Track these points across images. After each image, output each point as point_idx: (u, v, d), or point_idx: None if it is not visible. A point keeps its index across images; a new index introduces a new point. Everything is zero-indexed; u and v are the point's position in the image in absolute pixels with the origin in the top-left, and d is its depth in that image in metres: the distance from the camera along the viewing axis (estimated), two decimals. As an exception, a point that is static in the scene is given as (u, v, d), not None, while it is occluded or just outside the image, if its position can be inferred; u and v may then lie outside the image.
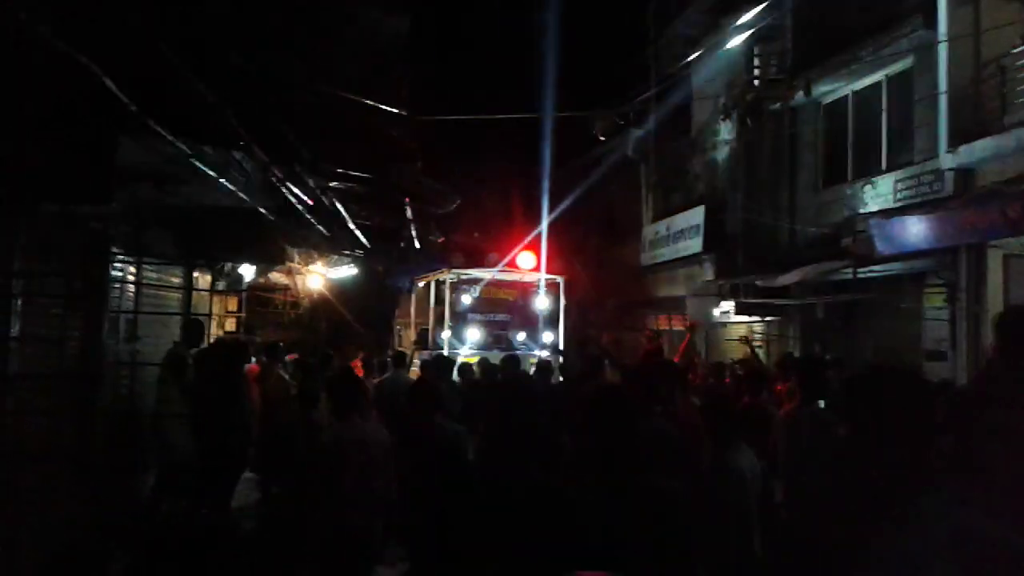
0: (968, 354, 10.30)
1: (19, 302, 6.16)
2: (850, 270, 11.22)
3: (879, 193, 11.82)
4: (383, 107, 6.08)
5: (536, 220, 17.50)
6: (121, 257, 8.15)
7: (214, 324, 11.76)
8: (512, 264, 15.56)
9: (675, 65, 17.98)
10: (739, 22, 14.48)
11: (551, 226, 20.91)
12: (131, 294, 8.68)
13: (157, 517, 7.43)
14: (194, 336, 8.30)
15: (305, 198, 8.65)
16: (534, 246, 15.85)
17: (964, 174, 10.37)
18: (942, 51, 10.53)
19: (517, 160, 21.54)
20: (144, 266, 8.88)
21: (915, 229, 10.17)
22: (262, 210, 8.88)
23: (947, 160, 10.37)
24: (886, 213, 11.02)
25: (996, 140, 9.66)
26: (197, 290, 10.71)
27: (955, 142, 10.22)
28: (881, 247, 10.67)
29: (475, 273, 15.35)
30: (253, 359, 9.72)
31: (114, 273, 8.12)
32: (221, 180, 7.39)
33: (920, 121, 11.42)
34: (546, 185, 18.66)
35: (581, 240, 21.03)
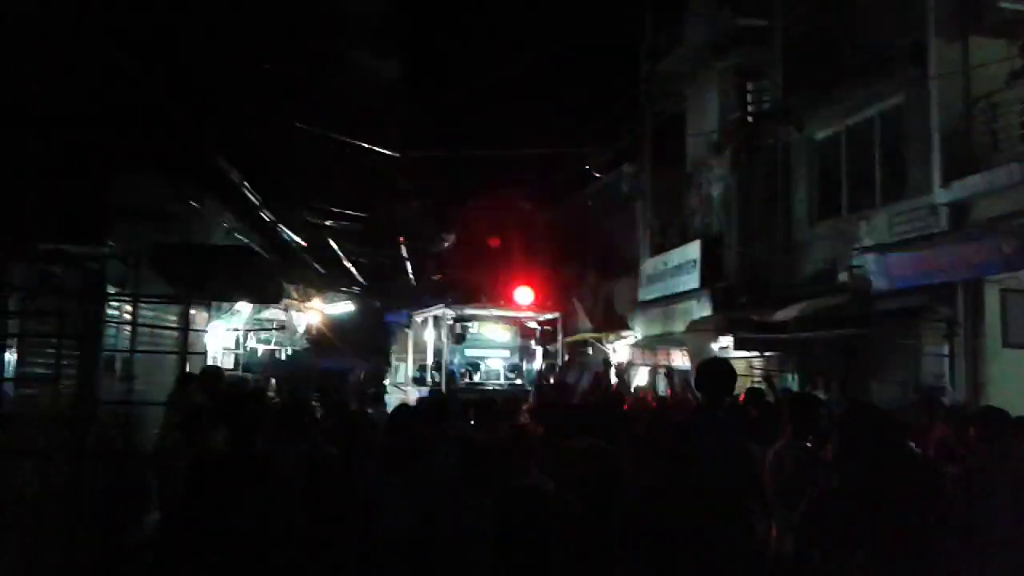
0: (967, 389, 10.26)
1: (14, 342, 6.16)
2: (848, 305, 11.22)
3: (874, 228, 11.86)
4: (375, 148, 6.14)
5: (533, 257, 17.56)
6: (116, 296, 8.14)
7: (215, 362, 11.72)
8: (509, 301, 15.58)
9: (669, 101, 18.15)
10: (730, 60, 14.65)
11: (548, 262, 21.00)
12: (127, 333, 8.65)
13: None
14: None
15: (297, 239, 8.70)
16: (531, 282, 15.87)
17: (958, 209, 10.42)
18: (933, 88, 10.63)
19: (514, 197, 21.66)
20: (140, 305, 8.86)
21: (911, 264, 10.20)
22: (258, 248, 8.91)
23: (941, 195, 10.43)
24: (882, 248, 11.04)
25: (988, 176, 9.71)
26: (194, 329, 10.68)
27: (948, 178, 10.29)
28: (877, 282, 10.68)
29: (472, 310, 15.36)
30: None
31: (110, 312, 8.12)
32: (217, 219, 7.43)
33: (913, 157, 11.50)
34: (542, 220, 18.74)
35: (578, 276, 21.07)
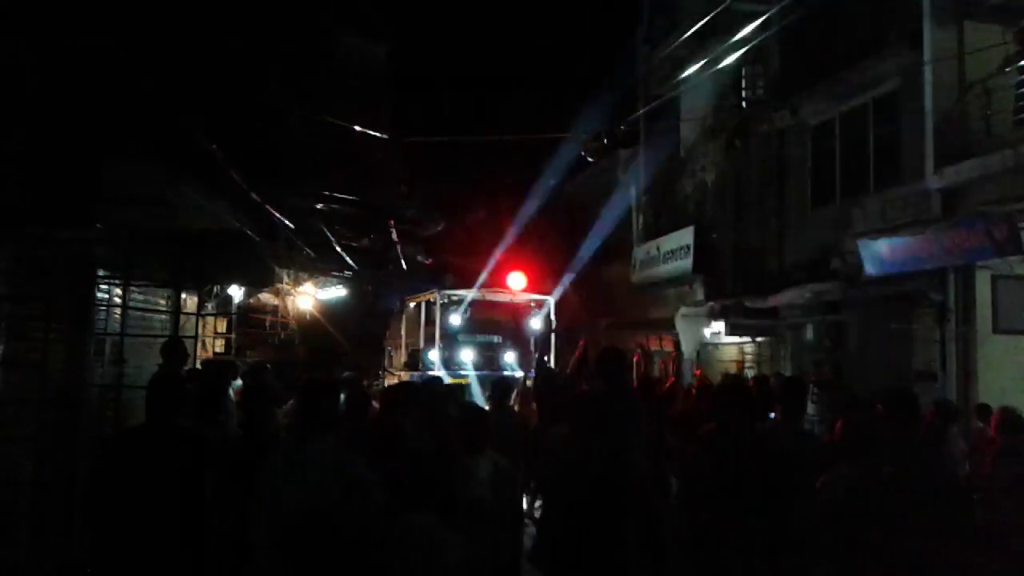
0: (958, 375, 10.31)
1: (3, 326, 6.13)
2: (840, 291, 11.25)
3: (867, 214, 11.86)
4: (366, 131, 6.10)
5: (526, 241, 17.51)
6: (107, 279, 8.10)
7: (201, 346, 11.70)
8: (502, 285, 15.55)
9: (664, 87, 18.09)
10: (726, 45, 14.58)
11: (542, 246, 20.96)
12: (117, 316, 8.62)
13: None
14: (178, 358, 8.20)
15: (287, 221, 8.66)
16: (524, 267, 15.84)
17: (951, 195, 10.42)
18: (927, 73, 10.61)
19: (507, 181, 21.62)
20: (131, 288, 8.82)
21: (902, 250, 10.21)
22: (249, 232, 8.87)
23: (934, 181, 10.43)
24: (874, 234, 11.05)
25: (981, 161, 9.71)
26: (185, 313, 10.65)
27: (941, 163, 10.28)
28: (869, 268, 10.70)
29: (465, 294, 15.33)
30: (239, 381, 9.65)
31: (100, 295, 8.08)
32: (208, 202, 7.38)
33: (907, 143, 11.49)
34: (536, 206, 18.70)
35: (572, 260, 21.04)
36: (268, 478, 4.06)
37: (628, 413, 5.17)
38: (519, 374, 13.59)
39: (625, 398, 5.33)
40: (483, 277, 15.75)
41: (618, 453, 4.76)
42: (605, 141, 15.83)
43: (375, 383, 14.58)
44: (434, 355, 14.23)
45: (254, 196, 7.73)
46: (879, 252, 10.53)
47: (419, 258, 16.37)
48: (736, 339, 14.54)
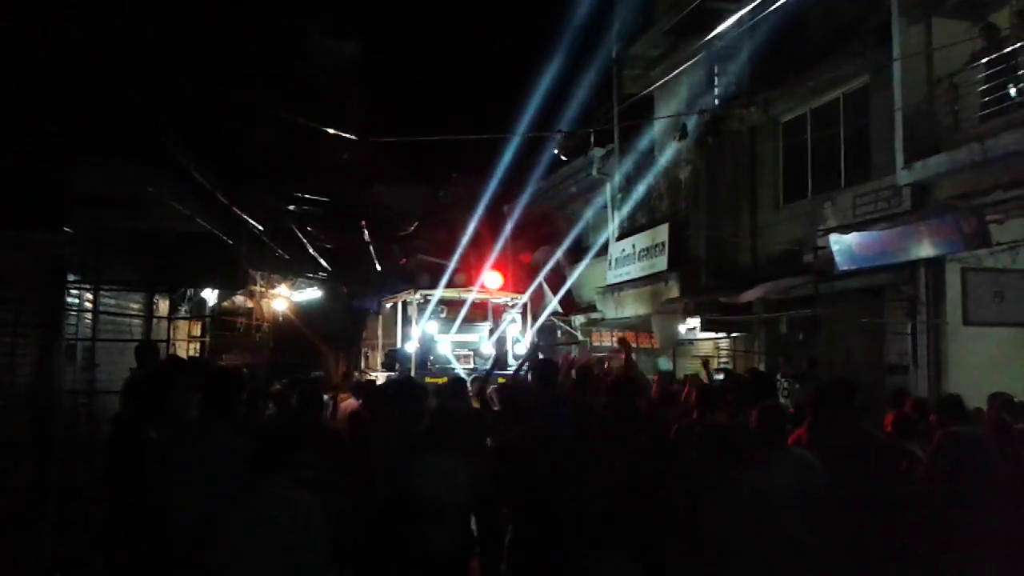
0: (929, 367, 10.43)
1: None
2: (813, 285, 11.33)
3: (839, 209, 11.97)
4: (336, 132, 6.07)
5: (502, 239, 17.49)
6: (78, 284, 8.01)
7: (176, 349, 11.58)
8: (478, 284, 15.54)
9: (638, 84, 18.16)
10: (699, 43, 14.68)
11: (518, 245, 20.95)
12: (89, 321, 8.52)
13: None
14: (150, 361, 8.11)
15: (255, 223, 8.60)
16: (500, 266, 15.84)
17: (921, 189, 10.55)
18: (896, 70, 10.72)
19: (482, 181, 21.56)
20: (102, 292, 8.73)
21: (872, 244, 10.31)
22: (221, 235, 8.80)
23: (903, 176, 10.54)
24: (845, 229, 11.16)
25: (950, 156, 9.83)
26: (158, 316, 10.56)
27: (911, 158, 10.39)
28: (840, 262, 10.79)
29: (441, 294, 15.30)
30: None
31: (70, 300, 7.98)
32: (179, 206, 7.32)
33: (877, 138, 11.61)
34: (512, 204, 18.68)
35: (547, 259, 21.06)
36: (155, 457, 4.20)
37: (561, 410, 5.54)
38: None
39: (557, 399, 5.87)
40: (460, 276, 15.74)
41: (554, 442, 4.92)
42: (579, 139, 15.90)
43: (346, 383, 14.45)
44: (411, 355, 14.19)
45: (220, 197, 7.66)
46: (850, 246, 10.63)
47: (394, 258, 16.29)
48: (711, 335, 14.62)
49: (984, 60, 9.71)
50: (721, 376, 10.60)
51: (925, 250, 9.85)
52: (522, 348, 14.79)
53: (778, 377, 10.49)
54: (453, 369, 14.20)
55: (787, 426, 4.54)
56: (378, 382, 9.97)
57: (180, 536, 3.86)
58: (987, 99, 9.68)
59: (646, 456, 4.60)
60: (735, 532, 3.82)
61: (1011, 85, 9.35)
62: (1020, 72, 9.24)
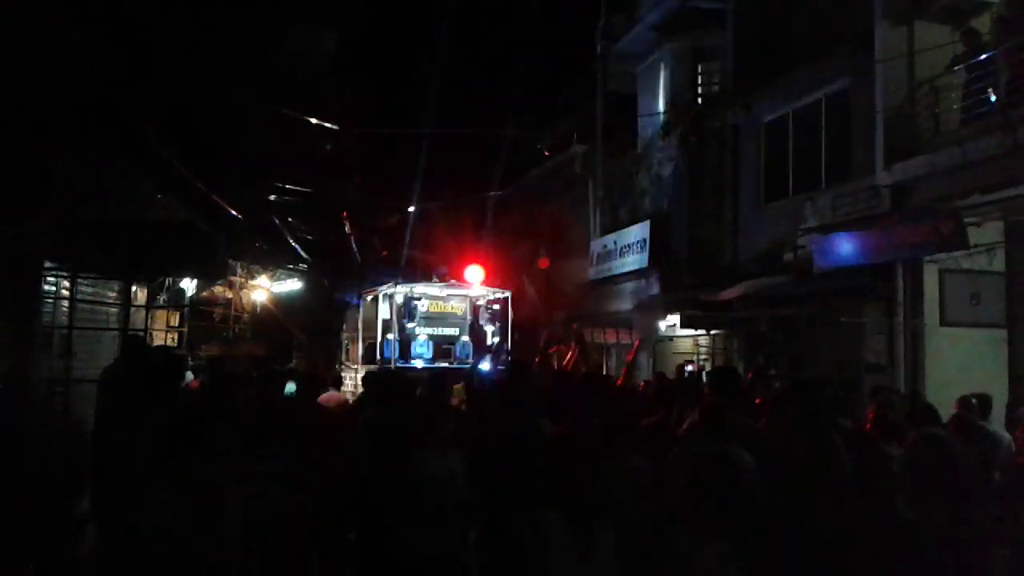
0: (906, 367, 10.53)
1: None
2: (792, 284, 11.40)
3: (819, 209, 12.05)
4: (316, 122, 6.04)
5: (484, 235, 17.48)
6: (54, 271, 7.92)
7: (154, 339, 11.49)
8: (460, 278, 15.54)
9: (621, 82, 18.19)
10: (682, 42, 14.73)
11: (499, 241, 20.95)
12: (66, 309, 8.44)
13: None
14: (137, 354, 8.05)
15: (235, 213, 8.55)
16: (482, 260, 15.84)
17: (900, 191, 10.62)
18: (878, 71, 10.80)
19: (464, 175, 21.52)
20: (79, 281, 8.64)
21: (851, 245, 10.40)
22: (200, 224, 8.73)
23: (883, 177, 10.61)
24: (825, 229, 11.23)
25: (930, 158, 9.90)
26: (135, 305, 10.46)
27: (891, 160, 10.47)
28: (820, 262, 10.87)
29: (423, 288, 15.29)
30: (191, 375, 9.50)
31: (47, 287, 7.90)
32: (158, 195, 7.26)
33: (858, 140, 11.69)
34: (494, 199, 18.66)
35: (529, 254, 21.08)
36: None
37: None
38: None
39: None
40: (441, 270, 15.73)
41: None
42: (562, 135, 15.90)
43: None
44: (391, 347, 14.17)
45: (200, 186, 7.60)
46: (830, 246, 10.71)
47: (375, 251, 16.24)
48: (691, 332, 14.69)
49: (964, 64, 9.80)
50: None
51: (903, 251, 9.94)
52: (498, 342, 14.86)
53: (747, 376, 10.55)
54: (433, 362, 14.21)
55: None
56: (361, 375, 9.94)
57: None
58: (967, 103, 9.77)
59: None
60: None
61: (990, 89, 9.43)
62: (999, 77, 9.33)
